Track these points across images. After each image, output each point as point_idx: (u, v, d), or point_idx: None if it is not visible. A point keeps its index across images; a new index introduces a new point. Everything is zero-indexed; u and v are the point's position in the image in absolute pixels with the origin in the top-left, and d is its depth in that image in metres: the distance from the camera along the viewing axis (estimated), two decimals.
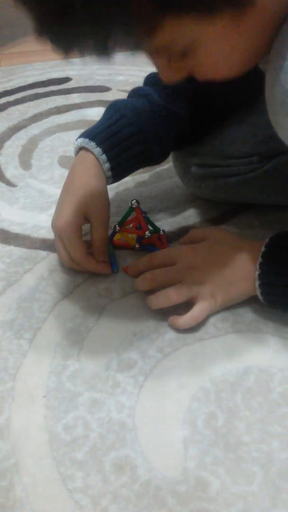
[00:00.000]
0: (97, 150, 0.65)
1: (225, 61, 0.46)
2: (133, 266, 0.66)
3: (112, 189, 0.85)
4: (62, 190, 0.68)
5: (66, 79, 1.29)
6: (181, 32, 0.41)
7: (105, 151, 0.66)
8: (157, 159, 0.72)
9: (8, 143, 1.01)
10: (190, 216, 0.78)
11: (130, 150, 0.67)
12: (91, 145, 0.66)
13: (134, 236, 0.71)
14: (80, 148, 0.68)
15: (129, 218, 0.71)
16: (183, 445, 0.48)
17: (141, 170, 0.90)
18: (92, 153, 0.66)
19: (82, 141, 0.67)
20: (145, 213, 0.73)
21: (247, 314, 0.61)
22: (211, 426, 0.50)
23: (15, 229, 0.77)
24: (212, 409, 0.51)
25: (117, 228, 0.70)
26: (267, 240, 0.57)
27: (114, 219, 0.73)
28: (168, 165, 0.92)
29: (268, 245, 0.57)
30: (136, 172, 0.89)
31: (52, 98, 1.20)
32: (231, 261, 0.59)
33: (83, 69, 1.35)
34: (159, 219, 0.77)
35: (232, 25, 0.41)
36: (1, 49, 1.55)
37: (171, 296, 0.59)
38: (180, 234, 0.74)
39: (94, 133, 0.67)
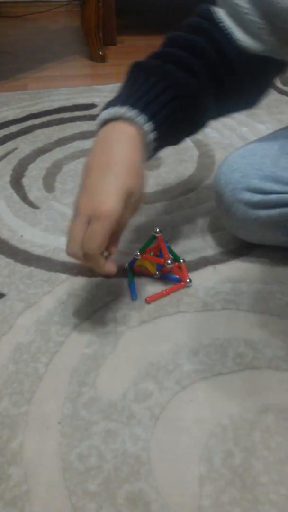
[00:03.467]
0: (132, 114, 0.55)
1: None
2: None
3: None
4: (92, 169, 0.54)
5: (92, 105, 1.32)
6: None
7: (142, 112, 0.55)
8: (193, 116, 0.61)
9: (32, 166, 1.03)
10: (210, 247, 0.78)
11: (173, 115, 0.57)
12: (132, 114, 0.55)
13: (155, 263, 0.72)
14: (108, 120, 0.56)
15: (151, 245, 0.71)
16: (199, 482, 0.47)
17: (163, 198, 0.91)
18: (133, 123, 0.55)
19: (110, 112, 0.56)
20: (166, 241, 0.73)
21: (266, 350, 0.60)
22: (228, 464, 0.48)
23: (36, 250, 0.78)
24: (229, 446, 0.50)
25: (139, 255, 0.70)
26: None
27: (135, 246, 0.73)
28: (189, 194, 0.92)
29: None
30: (157, 200, 0.91)
31: (77, 123, 1.22)
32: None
33: (108, 96, 1.37)
34: (180, 248, 0.77)
35: None
36: (29, 73, 1.59)
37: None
38: (200, 263, 0.74)
39: (121, 100, 0.56)
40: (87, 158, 0.56)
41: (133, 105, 0.55)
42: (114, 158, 0.54)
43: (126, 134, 0.55)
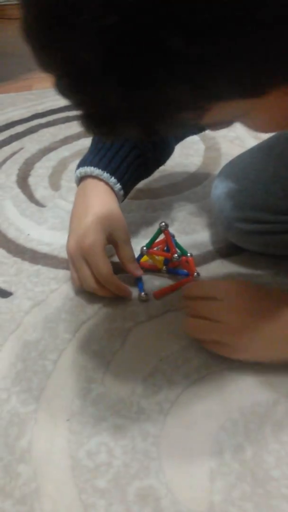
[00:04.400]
0: (106, 175, 0.68)
1: (275, 124, 0.44)
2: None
3: (140, 211, 0.85)
4: (75, 216, 0.68)
5: None
6: (231, 110, 0.39)
7: (112, 174, 0.68)
8: (154, 166, 0.75)
9: (38, 165, 1.03)
10: (217, 240, 0.77)
11: (131, 165, 0.70)
12: (98, 172, 0.68)
13: (162, 258, 0.71)
14: (82, 178, 0.70)
15: (157, 240, 0.71)
16: (210, 477, 0.46)
17: (169, 192, 0.91)
18: (101, 179, 0.68)
19: (86, 170, 0.69)
20: (173, 235, 0.73)
21: None
22: (239, 458, 0.48)
23: (43, 248, 0.78)
24: (240, 440, 0.49)
25: (145, 250, 0.69)
26: None
27: (142, 241, 0.73)
28: (196, 188, 0.92)
29: None
30: (164, 195, 0.90)
31: None
32: (275, 315, 0.52)
33: None
34: (187, 242, 0.76)
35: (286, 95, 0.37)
36: (34, 73, 1.59)
37: (201, 333, 0.56)
38: (207, 257, 0.74)
39: (96, 160, 0.69)
40: (72, 208, 0.69)
41: (105, 168, 0.68)
42: (92, 203, 0.66)
43: (101, 187, 0.68)
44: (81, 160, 0.71)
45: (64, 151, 1.07)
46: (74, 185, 0.95)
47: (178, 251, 0.70)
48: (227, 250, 0.75)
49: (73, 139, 1.13)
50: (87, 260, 0.64)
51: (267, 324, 0.51)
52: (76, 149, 1.08)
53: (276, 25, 0.30)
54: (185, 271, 0.70)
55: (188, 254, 0.72)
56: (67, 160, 1.04)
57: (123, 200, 0.72)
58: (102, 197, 0.67)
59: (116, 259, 0.74)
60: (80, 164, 0.70)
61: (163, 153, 0.75)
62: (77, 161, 1.03)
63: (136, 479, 0.47)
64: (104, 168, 0.68)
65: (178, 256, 0.68)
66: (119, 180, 0.69)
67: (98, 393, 0.55)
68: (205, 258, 0.74)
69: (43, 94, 1.39)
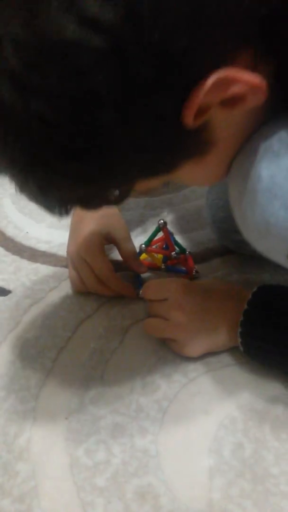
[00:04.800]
0: None
1: (202, 178, 0.46)
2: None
3: (138, 209, 0.85)
4: (74, 219, 0.69)
5: None
6: (153, 181, 0.41)
7: None
8: None
9: None
10: (215, 239, 0.77)
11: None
12: None
13: (160, 256, 0.71)
14: None
15: (156, 238, 0.71)
16: (209, 475, 0.46)
17: (168, 190, 0.90)
18: None
19: None
20: (172, 233, 0.72)
21: None
22: (238, 456, 0.48)
23: (42, 246, 0.78)
24: (239, 438, 0.49)
25: (144, 248, 0.69)
26: (255, 288, 0.54)
27: (141, 239, 0.73)
28: (194, 186, 0.91)
29: (255, 293, 0.54)
30: (162, 192, 0.90)
31: None
32: (218, 310, 0.56)
33: None
34: (185, 240, 0.76)
35: (198, 163, 0.40)
36: None
37: (156, 331, 0.59)
38: (205, 255, 0.73)
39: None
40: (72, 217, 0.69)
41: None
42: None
43: None
44: None
45: None
46: None
47: (177, 248, 0.70)
48: (225, 248, 0.75)
49: None
50: (87, 261, 0.64)
51: (209, 319, 0.56)
52: None
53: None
54: (184, 269, 0.70)
55: (187, 252, 0.72)
56: None
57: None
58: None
59: (115, 256, 0.74)
60: None
61: None
62: None
63: (134, 477, 0.47)
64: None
65: (177, 254, 0.68)
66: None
67: (97, 391, 0.55)
68: (204, 256, 0.73)
69: None
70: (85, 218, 0.66)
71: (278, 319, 0.51)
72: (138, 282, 0.68)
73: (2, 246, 0.78)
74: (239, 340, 0.53)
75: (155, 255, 0.71)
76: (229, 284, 0.62)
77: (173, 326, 0.57)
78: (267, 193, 0.37)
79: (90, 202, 0.42)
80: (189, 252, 0.72)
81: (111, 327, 0.63)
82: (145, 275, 0.70)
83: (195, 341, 0.56)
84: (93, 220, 0.65)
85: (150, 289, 0.60)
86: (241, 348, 0.54)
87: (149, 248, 0.70)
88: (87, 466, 0.48)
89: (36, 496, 0.46)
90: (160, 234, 0.70)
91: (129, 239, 0.67)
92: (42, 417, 0.52)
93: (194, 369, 0.56)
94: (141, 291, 0.62)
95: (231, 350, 0.58)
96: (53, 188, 0.37)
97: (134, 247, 0.68)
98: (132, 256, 0.67)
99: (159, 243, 0.72)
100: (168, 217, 0.82)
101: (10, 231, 0.82)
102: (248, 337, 0.53)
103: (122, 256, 0.68)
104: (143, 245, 0.69)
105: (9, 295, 0.68)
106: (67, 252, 0.68)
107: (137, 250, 0.69)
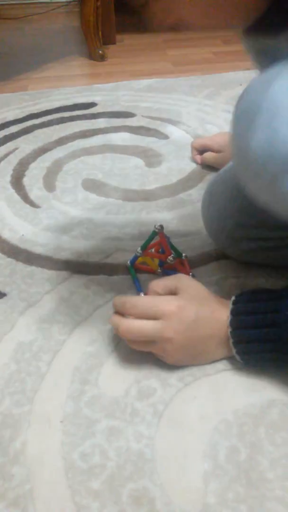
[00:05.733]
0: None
1: None
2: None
3: (135, 213, 0.85)
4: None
5: (92, 104, 1.31)
6: None
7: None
8: None
9: (33, 165, 1.02)
10: (212, 243, 0.77)
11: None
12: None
13: (157, 260, 0.71)
14: None
15: (152, 242, 0.71)
16: (204, 479, 0.46)
17: (164, 194, 0.91)
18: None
19: None
20: (168, 238, 0.73)
21: None
22: (233, 460, 0.48)
23: (37, 249, 0.78)
24: (234, 442, 0.49)
25: (140, 252, 0.69)
26: (233, 298, 0.55)
27: (137, 243, 0.73)
28: (190, 190, 0.92)
29: (235, 302, 0.55)
30: (159, 197, 0.90)
31: (78, 122, 1.21)
32: (206, 337, 0.55)
33: (108, 94, 1.37)
34: (182, 244, 0.76)
35: None
36: (29, 73, 1.59)
37: (139, 346, 0.57)
38: (202, 259, 0.74)
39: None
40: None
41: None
42: None
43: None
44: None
45: (59, 152, 1.07)
46: (69, 186, 0.95)
47: (173, 253, 0.70)
48: (222, 252, 0.75)
49: (68, 140, 1.12)
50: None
51: (197, 345, 0.55)
52: (71, 150, 1.08)
53: None
54: (180, 273, 0.70)
55: (183, 256, 0.72)
56: (62, 161, 1.04)
57: None
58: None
59: (111, 260, 0.74)
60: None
61: None
62: (71, 162, 1.03)
63: (130, 481, 0.47)
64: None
65: (173, 258, 0.68)
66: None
67: (92, 394, 0.55)
68: (200, 260, 0.74)
69: (38, 95, 1.39)
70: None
71: (262, 317, 0.52)
72: (137, 286, 0.68)
73: None
74: (234, 351, 0.54)
75: (152, 259, 0.71)
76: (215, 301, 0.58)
77: (160, 349, 0.56)
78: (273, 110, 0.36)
79: None
80: (185, 256, 0.72)
81: (106, 330, 0.63)
82: (142, 279, 0.70)
83: (183, 362, 0.57)
84: None
85: (139, 307, 0.56)
86: (238, 358, 0.54)
87: (146, 252, 0.70)
88: (82, 470, 0.48)
89: (31, 499, 0.46)
90: (157, 238, 0.70)
91: None
92: (37, 421, 0.52)
93: (190, 374, 0.56)
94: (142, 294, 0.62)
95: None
96: None
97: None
98: None
99: (156, 247, 0.72)
100: (164, 221, 0.82)
101: (6, 234, 0.82)
102: (240, 344, 0.53)
103: None
104: (140, 249, 0.69)
105: (4, 298, 0.68)
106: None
107: (134, 254, 0.70)
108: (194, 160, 1.01)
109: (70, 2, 2.37)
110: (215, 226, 0.70)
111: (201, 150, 1.00)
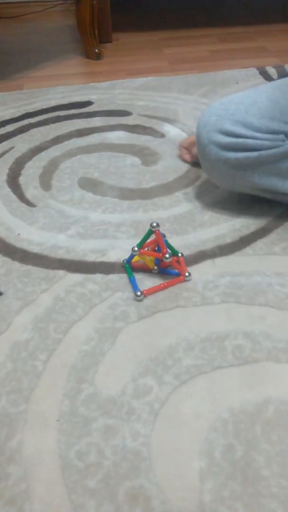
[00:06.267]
0: None
1: None
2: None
3: (130, 212, 0.85)
4: None
5: (88, 103, 1.31)
6: None
7: None
8: None
9: (29, 164, 1.02)
10: (208, 241, 0.77)
11: None
12: None
13: (153, 258, 0.71)
14: None
15: (148, 240, 0.71)
16: (200, 477, 0.47)
17: (160, 193, 0.91)
18: None
19: None
20: (164, 236, 0.73)
21: (266, 342, 0.59)
22: (229, 458, 0.48)
23: (33, 248, 0.77)
24: (230, 440, 0.49)
25: (136, 250, 0.69)
26: None
27: (133, 242, 0.73)
28: (186, 189, 0.92)
29: None
30: (155, 195, 0.90)
31: (74, 121, 1.21)
32: None
33: (104, 93, 1.37)
34: (178, 243, 0.76)
35: None
36: (25, 72, 1.58)
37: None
38: (198, 257, 0.74)
39: None
40: None
41: None
42: None
43: None
44: None
45: (55, 151, 1.07)
46: (65, 184, 0.95)
47: (169, 251, 0.70)
48: (218, 250, 0.75)
49: (64, 139, 1.12)
50: None
51: None
52: (67, 148, 1.08)
53: None
54: (176, 271, 0.71)
55: (179, 254, 0.72)
56: (58, 160, 1.03)
57: None
58: None
59: (107, 259, 0.74)
60: None
61: None
62: (67, 161, 1.03)
63: (126, 479, 0.47)
64: None
65: (169, 256, 0.68)
66: None
67: (89, 393, 0.55)
68: (196, 258, 0.74)
69: (34, 94, 1.38)
70: None
71: None
72: (134, 284, 0.68)
73: None
74: None
75: (148, 257, 0.71)
76: None
77: None
78: None
79: None
80: (181, 254, 0.72)
81: (103, 329, 0.63)
82: (138, 277, 0.70)
83: None
84: None
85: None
86: None
87: (142, 250, 0.70)
88: (79, 468, 0.48)
89: (28, 498, 0.46)
90: (153, 237, 0.70)
91: None
92: (34, 420, 0.52)
93: (186, 372, 0.56)
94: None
95: (223, 352, 0.58)
96: None
97: None
98: None
99: (152, 246, 0.72)
100: (160, 220, 0.82)
101: (2, 233, 0.81)
102: None
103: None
104: (136, 248, 0.69)
105: (1, 297, 0.68)
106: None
107: (130, 252, 0.70)
108: (183, 160, 1.01)
109: (66, 1, 2.36)
110: (201, 122, 0.80)
111: (190, 149, 1.00)
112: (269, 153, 0.72)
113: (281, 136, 0.72)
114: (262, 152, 0.73)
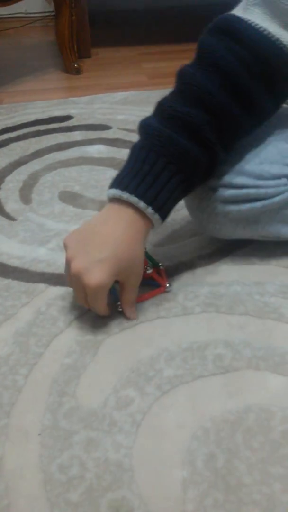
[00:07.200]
0: (142, 205, 0.60)
1: None
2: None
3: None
4: (94, 232, 0.62)
5: (68, 117, 1.32)
6: None
7: (157, 211, 0.61)
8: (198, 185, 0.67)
9: (9, 178, 1.02)
10: (188, 252, 0.78)
11: (179, 197, 0.63)
12: (142, 205, 0.60)
13: None
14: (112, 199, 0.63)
15: None
16: (182, 487, 0.47)
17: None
18: (131, 205, 0.61)
19: (128, 197, 0.60)
20: (145, 248, 0.73)
21: (245, 351, 0.60)
22: (211, 467, 0.48)
23: (14, 262, 0.77)
24: (212, 449, 0.50)
25: None
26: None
27: None
28: None
29: None
30: None
31: (54, 135, 1.22)
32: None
33: (84, 108, 1.38)
34: (158, 254, 0.77)
35: None
36: (4, 87, 1.59)
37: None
38: (178, 269, 0.75)
39: (140, 190, 0.60)
40: (90, 221, 0.64)
41: (142, 197, 0.60)
42: (116, 235, 0.60)
43: (128, 221, 0.61)
44: (116, 179, 0.63)
45: (35, 165, 1.07)
46: (46, 198, 0.95)
47: (150, 262, 0.71)
48: (197, 261, 0.76)
49: (44, 153, 1.13)
50: (88, 296, 0.61)
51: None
52: (47, 162, 1.08)
53: None
54: (157, 282, 0.71)
55: (160, 266, 0.72)
56: (38, 174, 1.04)
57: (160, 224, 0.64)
58: (130, 233, 0.61)
59: None
60: (115, 185, 0.62)
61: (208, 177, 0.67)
62: (48, 175, 1.03)
63: (108, 491, 0.47)
64: (141, 197, 0.60)
65: (150, 267, 0.69)
66: (158, 210, 0.61)
67: (70, 406, 0.55)
68: (176, 269, 0.75)
69: (14, 108, 1.39)
70: (107, 247, 0.60)
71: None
72: (113, 296, 0.68)
73: None
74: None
75: None
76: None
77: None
78: None
79: None
80: (162, 266, 0.73)
81: (84, 341, 0.63)
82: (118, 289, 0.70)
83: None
84: (115, 259, 0.60)
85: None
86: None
87: None
88: (61, 482, 0.47)
89: None
90: None
91: (136, 287, 0.65)
92: (15, 434, 0.52)
93: (168, 382, 0.57)
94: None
95: (203, 361, 0.59)
96: None
97: (136, 294, 0.66)
98: (130, 303, 0.66)
99: None
100: None
101: None
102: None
103: (121, 299, 0.66)
104: None
105: None
106: (68, 242, 0.63)
107: None
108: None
109: (45, 16, 2.39)
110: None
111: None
112: (273, 201, 0.67)
113: (284, 181, 0.66)
114: (266, 202, 0.67)
